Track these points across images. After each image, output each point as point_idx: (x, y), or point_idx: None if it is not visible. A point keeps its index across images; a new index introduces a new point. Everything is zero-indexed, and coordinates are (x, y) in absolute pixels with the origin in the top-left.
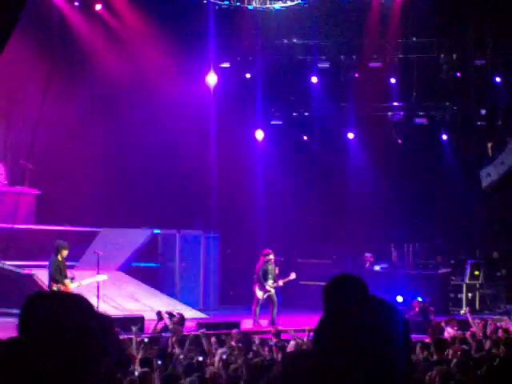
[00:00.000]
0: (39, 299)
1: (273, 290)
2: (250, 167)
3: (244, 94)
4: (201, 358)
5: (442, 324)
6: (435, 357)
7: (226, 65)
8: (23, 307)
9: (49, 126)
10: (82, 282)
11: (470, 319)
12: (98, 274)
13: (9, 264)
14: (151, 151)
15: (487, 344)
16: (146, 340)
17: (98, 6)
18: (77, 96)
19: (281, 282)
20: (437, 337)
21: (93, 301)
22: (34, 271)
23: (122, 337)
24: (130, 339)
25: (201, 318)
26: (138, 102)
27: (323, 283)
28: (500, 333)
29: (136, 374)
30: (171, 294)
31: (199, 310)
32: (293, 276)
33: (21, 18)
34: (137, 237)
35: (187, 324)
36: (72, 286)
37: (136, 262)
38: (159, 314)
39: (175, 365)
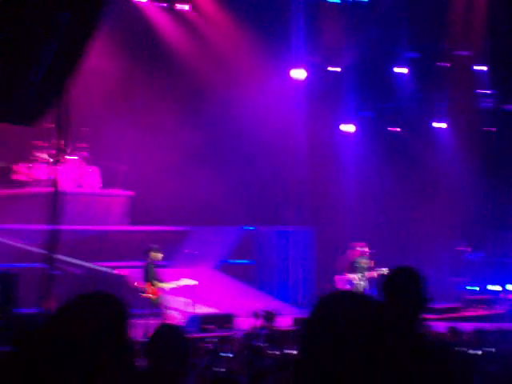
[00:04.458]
0: None
1: (362, 283)
2: (340, 160)
3: (332, 88)
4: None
5: None
6: None
7: (312, 59)
8: None
9: (139, 127)
10: (170, 285)
11: None
12: (191, 273)
13: (102, 265)
14: (241, 149)
15: None
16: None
17: (186, 7)
18: (164, 98)
19: (367, 275)
20: None
21: (187, 300)
22: (127, 272)
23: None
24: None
25: (297, 314)
26: (223, 100)
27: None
28: None
29: None
30: (266, 291)
31: (295, 306)
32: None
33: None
34: (229, 234)
35: (283, 320)
36: (165, 287)
37: (230, 259)
38: (255, 312)
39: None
